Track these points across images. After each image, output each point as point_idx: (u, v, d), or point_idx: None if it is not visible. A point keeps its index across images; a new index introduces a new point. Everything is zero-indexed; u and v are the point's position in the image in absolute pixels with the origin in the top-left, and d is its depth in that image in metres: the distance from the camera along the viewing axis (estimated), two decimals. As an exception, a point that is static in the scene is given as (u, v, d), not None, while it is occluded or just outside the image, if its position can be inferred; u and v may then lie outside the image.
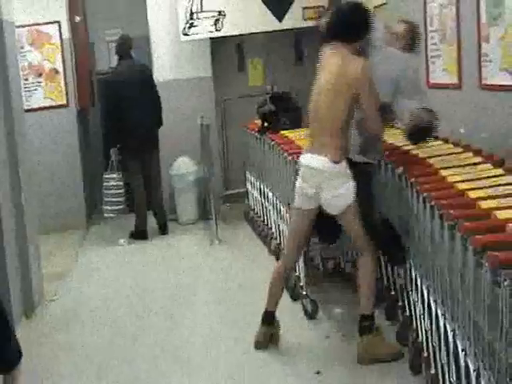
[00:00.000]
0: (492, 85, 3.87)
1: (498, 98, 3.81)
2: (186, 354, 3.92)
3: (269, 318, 3.82)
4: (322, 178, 3.48)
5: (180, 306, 4.71)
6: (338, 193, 3.46)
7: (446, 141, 3.97)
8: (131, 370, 3.79)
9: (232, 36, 6.99)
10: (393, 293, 3.82)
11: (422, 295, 3.20)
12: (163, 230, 6.56)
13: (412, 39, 3.66)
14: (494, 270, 2.21)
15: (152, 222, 6.57)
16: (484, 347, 2.34)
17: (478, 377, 2.42)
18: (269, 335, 3.81)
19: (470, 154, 3.50)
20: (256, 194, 6.18)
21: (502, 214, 2.50)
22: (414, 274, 3.35)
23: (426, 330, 3.16)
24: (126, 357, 3.95)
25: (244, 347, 3.91)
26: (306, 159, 3.60)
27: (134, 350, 4.03)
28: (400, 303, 3.71)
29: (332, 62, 3.51)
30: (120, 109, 6.32)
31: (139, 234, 6.47)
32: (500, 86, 3.77)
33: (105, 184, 6.52)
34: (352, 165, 3.50)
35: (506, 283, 2.13)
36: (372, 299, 3.55)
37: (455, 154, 3.59)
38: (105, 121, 7.05)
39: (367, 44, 3.52)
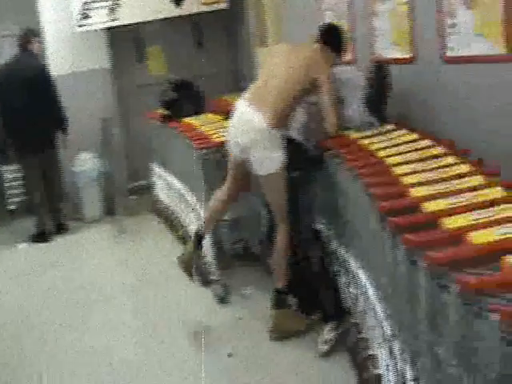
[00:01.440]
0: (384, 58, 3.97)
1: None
2: (96, 351, 3.81)
3: (198, 239, 3.80)
4: (252, 133, 3.44)
5: (87, 304, 4.56)
6: (268, 155, 3.43)
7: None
8: (36, 379, 3.63)
9: (129, 25, 6.85)
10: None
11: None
12: (59, 229, 6.37)
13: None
14: (394, 233, 2.29)
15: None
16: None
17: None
18: (193, 256, 3.82)
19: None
20: (162, 183, 6.09)
21: (407, 180, 2.54)
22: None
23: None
24: (29, 366, 3.76)
25: (156, 337, 3.86)
26: (243, 106, 3.52)
27: (38, 357, 3.85)
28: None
29: (303, 47, 3.65)
30: (6, 104, 6.09)
31: (39, 236, 6.24)
32: (391, 58, 3.87)
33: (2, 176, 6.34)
34: (290, 142, 3.51)
35: (402, 247, 2.19)
36: (284, 272, 3.55)
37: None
38: None
39: None
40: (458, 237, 1.99)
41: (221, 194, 3.81)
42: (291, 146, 3.52)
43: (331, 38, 3.67)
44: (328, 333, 3.40)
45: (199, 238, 3.80)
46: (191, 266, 3.83)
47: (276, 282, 3.59)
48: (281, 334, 3.55)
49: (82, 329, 4.18)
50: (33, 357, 3.86)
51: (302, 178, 3.52)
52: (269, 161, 3.43)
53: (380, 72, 3.57)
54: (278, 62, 3.57)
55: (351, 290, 3.25)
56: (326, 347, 3.36)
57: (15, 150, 6.28)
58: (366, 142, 3.24)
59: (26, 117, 6.04)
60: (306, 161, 3.57)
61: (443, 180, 2.45)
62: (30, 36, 6.28)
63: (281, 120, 3.45)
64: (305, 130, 3.63)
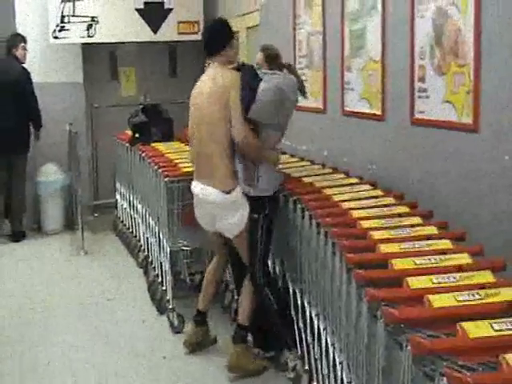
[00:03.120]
0: (353, 111, 4.14)
1: (357, 124, 4.09)
2: (47, 373, 3.76)
3: (201, 319, 3.86)
4: (215, 209, 3.51)
5: (40, 321, 4.51)
6: (232, 221, 3.49)
7: (312, 162, 4.19)
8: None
9: (105, 43, 6.92)
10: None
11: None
12: (16, 237, 6.36)
13: (270, 64, 3.64)
14: (360, 285, 2.38)
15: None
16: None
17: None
18: (200, 336, 3.87)
19: (342, 175, 3.74)
20: (125, 205, 6.12)
21: (375, 235, 2.67)
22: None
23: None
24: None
25: (108, 361, 3.86)
26: (197, 189, 3.58)
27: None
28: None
29: (207, 82, 3.56)
30: None
31: None
32: (360, 113, 4.04)
33: None
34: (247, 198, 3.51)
35: (365, 299, 2.30)
36: (250, 312, 3.61)
37: (326, 174, 3.82)
38: None
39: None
40: (419, 297, 2.12)
41: (210, 266, 3.91)
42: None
43: (209, 42, 3.62)
44: (292, 360, 3.49)
45: (201, 314, 3.87)
46: (201, 345, 3.88)
47: (240, 319, 3.64)
48: (239, 371, 3.58)
49: (23, 344, 4.15)
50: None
51: (259, 220, 3.52)
52: (235, 224, 3.49)
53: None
54: (197, 120, 3.56)
55: (306, 336, 3.33)
56: (293, 374, 3.46)
57: None
58: (330, 192, 3.35)
59: (3, 119, 6.11)
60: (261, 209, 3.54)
61: (411, 239, 2.59)
62: (17, 41, 6.37)
63: (231, 176, 3.46)
64: (245, 174, 3.54)
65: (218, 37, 3.61)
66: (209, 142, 3.48)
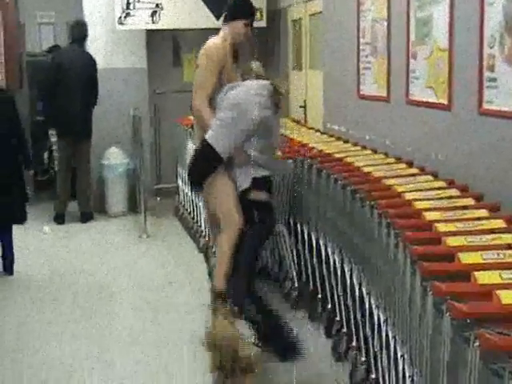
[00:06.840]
0: (417, 101, 4.08)
1: (422, 114, 4.03)
2: (108, 353, 3.86)
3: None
4: None
5: (103, 301, 4.66)
6: None
7: (374, 151, 4.16)
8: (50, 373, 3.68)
9: (168, 29, 7.00)
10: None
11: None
12: (84, 218, 6.61)
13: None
14: (425, 279, 2.35)
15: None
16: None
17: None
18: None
19: (404, 166, 3.69)
20: (186, 189, 6.21)
21: (440, 227, 2.62)
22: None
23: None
24: (43, 356, 3.85)
25: (167, 344, 3.95)
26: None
27: (52, 349, 3.93)
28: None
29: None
30: (56, 91, 6.42)
31: (57, 218, 6.56)
32: (424, 102, 3.98)
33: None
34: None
35: (430, 292, 2.29)
36: (225, 276, 3.35)
37: (388, 163, 3.76)
38: (41, 101, 7.11)
39: None
40: (487, 292, 2.09)
41: None
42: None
43: (232, 12, 3.87)
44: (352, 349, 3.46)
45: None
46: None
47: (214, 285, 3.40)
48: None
49: (88, 322, 4.29)
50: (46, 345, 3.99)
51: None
52: None
53: None
54: None
55: (365, 328, 3.32)
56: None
57: (57, 132, 6.66)
58: (392, 182, 3.29)
59: (71, 104, 6.35)
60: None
61: (478, 232, 2.54)
62: (78, 27, 6.64)
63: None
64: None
65: (235, 6, 3.86)
66: None
